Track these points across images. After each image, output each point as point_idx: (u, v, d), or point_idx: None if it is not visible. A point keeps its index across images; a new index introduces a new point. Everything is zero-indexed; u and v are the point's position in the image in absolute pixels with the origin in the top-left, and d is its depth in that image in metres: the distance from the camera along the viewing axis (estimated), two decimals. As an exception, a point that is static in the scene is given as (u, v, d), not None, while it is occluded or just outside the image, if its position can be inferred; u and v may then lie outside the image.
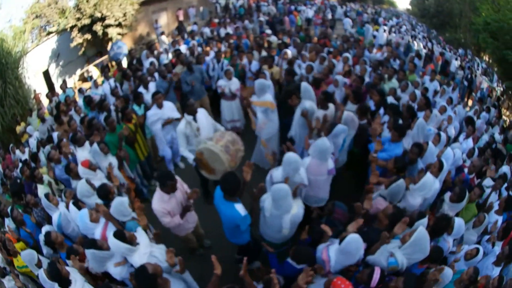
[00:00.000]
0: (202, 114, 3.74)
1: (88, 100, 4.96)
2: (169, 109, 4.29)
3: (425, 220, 2.55)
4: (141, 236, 2.54)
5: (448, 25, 15.92)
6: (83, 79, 10.91)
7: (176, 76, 5.28)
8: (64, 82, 6.93)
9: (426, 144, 3.33)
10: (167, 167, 4.77)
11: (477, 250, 2.80)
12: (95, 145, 3.55)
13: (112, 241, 2.31)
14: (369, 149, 3.78)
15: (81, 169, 3.32)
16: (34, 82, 9.50)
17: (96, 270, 2.52)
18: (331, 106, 3.99)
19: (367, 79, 5.19)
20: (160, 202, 2.78)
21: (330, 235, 2.57)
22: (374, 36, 10.02)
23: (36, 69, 9.83)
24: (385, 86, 5.10)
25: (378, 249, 2.38)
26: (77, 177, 3.40)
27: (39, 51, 10.22)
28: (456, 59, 10.67)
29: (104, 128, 4.09)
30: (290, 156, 2.89)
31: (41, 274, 2.38)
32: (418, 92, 5.16)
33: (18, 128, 6.58)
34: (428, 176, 2.77)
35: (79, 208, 2.94)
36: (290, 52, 6.09)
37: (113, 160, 3.69)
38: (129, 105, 4.71)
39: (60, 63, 11.02)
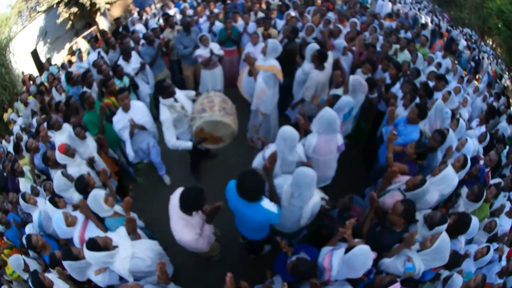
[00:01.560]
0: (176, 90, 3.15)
1: (68, 76, 4.32)
2: (138, 112, 3.27)
3: (445, 226, 2.20)
4: (120, 237, 2.14)
5: (453, 3, 14.97)
6: (72, 53, 10.04)
7: (165, 42, 4.63)
8: (48, 59, 6.28)
9: (447, 131, 2.93)
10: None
11: (488, 248, 2.66)
12: (70, 130, 3.05)
13: (88, 255, 1.93)
14: (382, 133, 3.36)
15: (58, 155, 2.86)
16: (23, 64, 8.89)
17: (77, 279, 2.16)
18: (328, 68, 3.52)
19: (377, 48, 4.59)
20: (189, 228, 2.15)
21: (339, 239, 2.16)
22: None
23: (24, 51, 9.15)
24: (399, 57, 4.53)
25: (398, 252, 2.07)
26: (56, 165, 2.96)
27: (26, 32, 9.45)
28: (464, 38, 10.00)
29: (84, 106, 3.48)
30: (286, 130, 2.38)
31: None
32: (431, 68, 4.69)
33: (6, 116, 6.11)
34: (449, 169, 2.37)
35: (56, 205, 2.53)
36: (293, 13, 5.36)
37: (92, 143, 3.20)
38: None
39: (48, 41, 10.22)
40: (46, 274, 2.23)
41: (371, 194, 2.27)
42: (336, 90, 3.44)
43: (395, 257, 2.07)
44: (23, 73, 8.04)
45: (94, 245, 1.93)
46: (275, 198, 2.25)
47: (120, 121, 3.22)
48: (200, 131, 2.96)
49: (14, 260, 2.55)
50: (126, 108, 3.19)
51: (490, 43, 12.45)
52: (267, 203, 2.08)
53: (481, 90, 5.96)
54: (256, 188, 1.98)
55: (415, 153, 2.64)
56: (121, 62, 4.19)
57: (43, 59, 9.96)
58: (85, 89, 3.80)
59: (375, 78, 3.59)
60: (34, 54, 9.81)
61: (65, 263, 2.05)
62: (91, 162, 3.06)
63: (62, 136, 3.16)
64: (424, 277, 2.23)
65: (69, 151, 2.85)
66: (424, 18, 8.53)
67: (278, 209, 2.10)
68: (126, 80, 3.99)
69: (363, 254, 1.80)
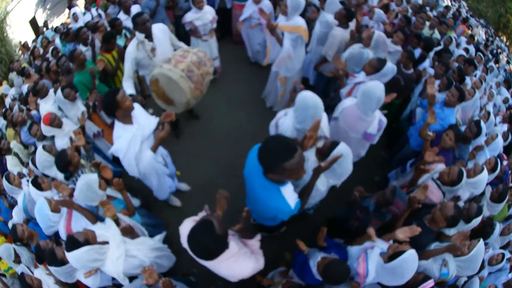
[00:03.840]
0: (160, 30, 2.66)
1: (63, 36, 3.73)
2: (141, 115, 2.15)
3: (480, 218, 2.12)
4: (110, 231, 1.69)
5: (471, -6, 13.99)
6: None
7: None
8: (45, 23, 5.56)
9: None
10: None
11: (503, 255, 2.59)
12: (58, 92, 2.54)
13: (70, 257, 1.51)
14: (411, 112, 3.11)
15: (43, 127, 2.38)
16: (22, 34, 8.20)
17: (66, 282, 1.76)
18: (351, 27, 3.08)
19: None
20: (242, 256, 1.50)
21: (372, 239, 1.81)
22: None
23: (23, 20, 8.51)
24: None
25: (438, 255, 1.87)
26: (43, 138, 2.50)
27: (24, 2, 8.72)
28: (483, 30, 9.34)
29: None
30: (306, 96, 1.84)
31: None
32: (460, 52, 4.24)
33: (0, 89, 5.50)
34: (485, 173, 2.25)
35: (40, 187, 2.07)
36: None
37: (83, 107, 2.72)
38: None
39: (48, 7, 9.42)
40: (35, 271, 1.97)
41: (413, 197, 1.92)
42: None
43: (432, 260, 1.87)
44: (20, 42, 7.43)
45: (72, 243, 1.49)
46: (305, 198, 1.76)
47: (129, 145, 1.99)
48: (155, 81, 2.42)
49: (3, 250, 2.20)
50: (131, 120, 2.04)
51: (504, 39, 11.83)
52: (288, 191, 1.50)
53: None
54: (281, 154, 1.29)
55: (455, 143, 2.37)
56: (121, 16, 3.61)
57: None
58: (81, 46, 3.25)
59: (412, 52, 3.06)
60: (33, 22, 9.08)
61: (51, 269, 1.70)
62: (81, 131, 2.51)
63: (47, 103, 2.66)
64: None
65: (55, 122, 2.35)
66: (446, 1, 7.75)
67: (296, 206, 1.55)
68: (124, 37, 3.40)
69: (414, 260, 1.54)
